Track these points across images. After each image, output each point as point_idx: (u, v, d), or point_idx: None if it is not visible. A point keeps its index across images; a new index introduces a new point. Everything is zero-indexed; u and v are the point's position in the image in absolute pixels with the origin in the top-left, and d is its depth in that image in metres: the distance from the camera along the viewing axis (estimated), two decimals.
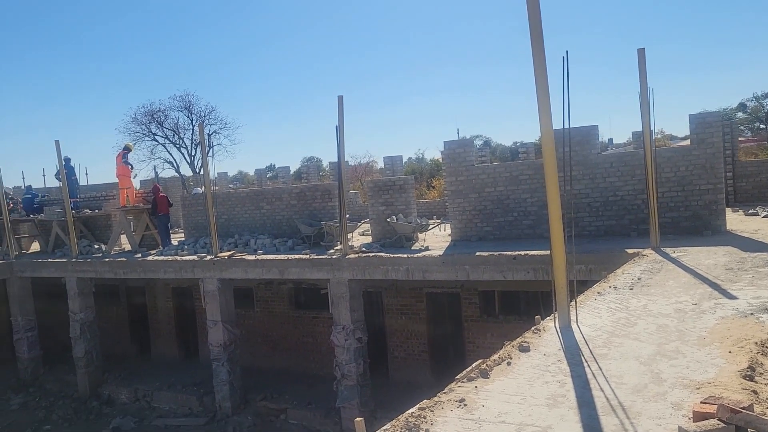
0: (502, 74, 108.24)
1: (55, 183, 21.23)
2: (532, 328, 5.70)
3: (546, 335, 5.47)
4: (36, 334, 19.65)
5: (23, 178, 26.01)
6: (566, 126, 5.51)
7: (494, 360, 4.82)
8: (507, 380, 4.40)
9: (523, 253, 11.02)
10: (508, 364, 4.74)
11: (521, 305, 14.42)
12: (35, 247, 21.86)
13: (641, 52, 9.48)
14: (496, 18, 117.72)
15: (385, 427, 3.66)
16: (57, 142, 17.91)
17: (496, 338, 14.25)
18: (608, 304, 6.39)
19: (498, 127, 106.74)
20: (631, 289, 6.99)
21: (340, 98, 12.80)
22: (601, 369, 4.46)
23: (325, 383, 14.80)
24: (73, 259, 17.88)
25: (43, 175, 30.37)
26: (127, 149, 19.46)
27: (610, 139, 43.88)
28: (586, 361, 4.67)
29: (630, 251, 9.81)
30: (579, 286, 8.24)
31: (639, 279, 7.53)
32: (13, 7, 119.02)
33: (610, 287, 7.20)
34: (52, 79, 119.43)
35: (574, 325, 5.64)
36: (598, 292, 6.99)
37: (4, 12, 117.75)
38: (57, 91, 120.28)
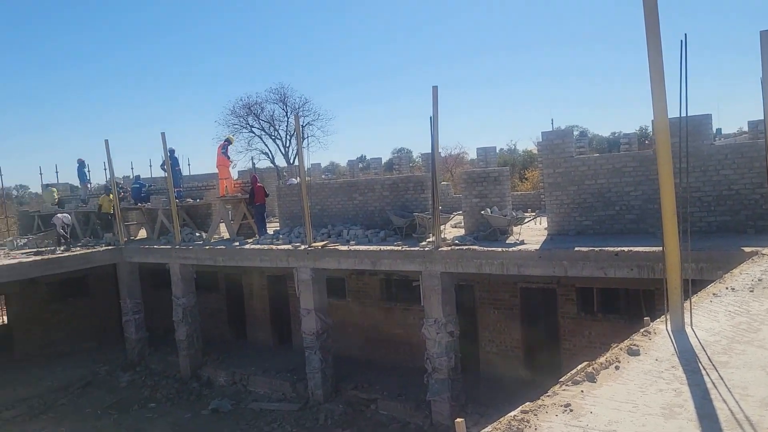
0: (597, 60, 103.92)
1: (161, 173, 22.29)
2: (641, 330, 5.34)
3: (657, 338, 5.10)
4: (142, 316, 20.78)
5: (132, 169, 27.69)
6: (683, 115, 5.10)
7: (601, 363, 4.53)
8: (616, 386, 4.12)
9: (626, 249, 10.46)
10: (617, 368, 4.44)
11: (622, 304, 13.77)
12: (142, 233, 23.12)
13: (765, 35, 8.71)
14: None
15: (486, 430, 3.51)
16: (163, 134, 18.81)
17: (595, 337, 13.74)
18: (726, 307, 5.89)
19: (594, 117, 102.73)
20: (751, 291, 6.43)
21: (435, 89, 12.62)
22: (722, 378, 4.08)
23: (415, 375, 14.75)
24: (177, 246, 18.72)
25: (150, 166, 32.16)
26: (228, 141, 20.21)
27: (719, 129, 41.07)
28: (704, 369, 4.30)
29: (747, 249, 9.08)
30: (690, 287, 7.72)
31: (760, 280, 6.93)
32: (118, 6, 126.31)
33: (726, 288, 6.65)
34: (158, 74, 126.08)
35: (688, 329, 5.23)
36: (714, 294, 6.47)
37: (110, 10, 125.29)
38: (162, 86, 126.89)
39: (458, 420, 3.55)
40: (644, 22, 5.08)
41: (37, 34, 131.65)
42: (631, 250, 10.38)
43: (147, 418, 16.47)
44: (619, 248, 10.59)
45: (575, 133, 58.16)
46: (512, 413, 3.73)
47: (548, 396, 4.02)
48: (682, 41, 5.14)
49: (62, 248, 20.36)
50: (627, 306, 13.61)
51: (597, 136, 58.64)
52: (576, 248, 11.11)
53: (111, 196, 20.92)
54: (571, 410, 3.73)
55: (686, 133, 5.18)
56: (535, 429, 3.50)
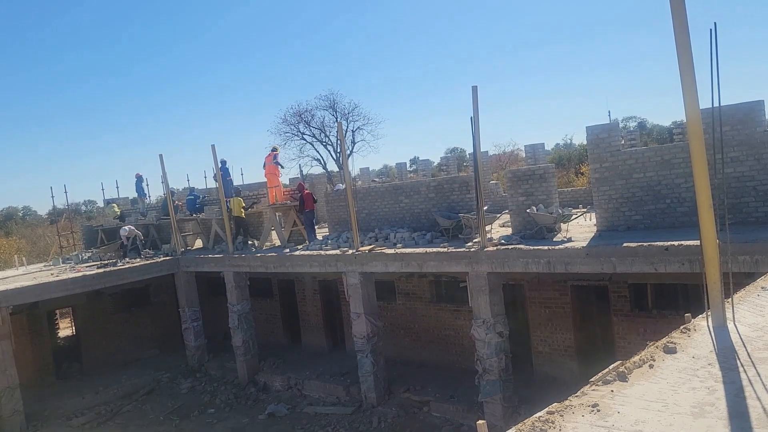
0: (657, 47, 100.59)
1: (215, 184, 22.91)
2: (681, 327, 5.19)
3: (696, 335, 4.96)
4: (201, 324, 21.38)
5: (188, 180, 28.43)
6: (716, 105, 4.93)
7: (634, 362, 4.43)
8: (648, 384, 4.03)
9: (676, 243, 10.14)
10: (651, 366, 4.34)
11: (679, 299, 13.32)
12: (198, 243, 23.80)
13: None
14: None
15: (509, 430, 3.49)
16: (213, 147, 19.34)
17: (650, 334, 13.29)
18: None
19: (655, 107, 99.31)
20: None
21: (474, 89, 12.57)
22: (759, 375, 3.94)
23: (467, 377, 14.67)
24: (230, 255, 19.19)
25: (204, 177, 33.02)
26: (275, 150, 20.59)
27: None
28: (743, 366, 4.15)
29: None
30: (742, 279, 7.43)
31: None
32: (169, 22, 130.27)
33: None
34: (210, 86, 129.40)
35: (730, 324, 5.05)
36: (762, 287, 6.22)
37: (166, 25, 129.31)
38: (213, 95, 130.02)
39: (480, 422, 3.55)
40: (670, 10, 4.95)
41: (93, 63, 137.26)
42: (681, 244, 10.06)
43: (207, 423, 16.94)
44: (669, 243, 10.27)
45: (632, 124, 56.75)
46: (538, 414, 3.71)
47: (576, 396, 3.97)
48: (711, 30, 4.98)
49: (122, 258, 21.23)
50: (685, 302, 13.15)
51: (657, 126, 56.76)
52: (624, 244, 10.84)
53: (241, 199, 20.71)
54: (599, 410, 3.67)
55: (720, 123, 4.98)
56: (560, 429, 3.46)
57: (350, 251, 15.53)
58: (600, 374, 4.28)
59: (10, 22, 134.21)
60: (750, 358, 4.27)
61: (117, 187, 27.74)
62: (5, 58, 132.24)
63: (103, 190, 26.60)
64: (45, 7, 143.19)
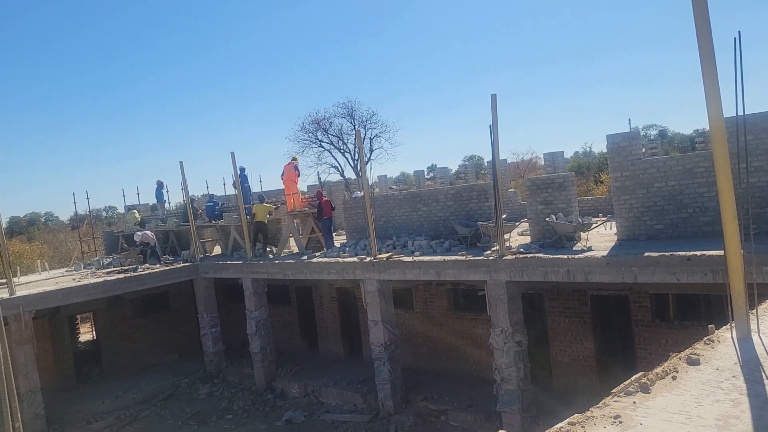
0: (677, 56, 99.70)
1: (234, 191, 23.06)
2: (705, 338, 5.12)
3: (720, 347, 4.88)
4: (219, 330, 21.49)
5: (207, 187, 28.68)
6: (739, 114, 4.88)
7: (657, 373, 4.38)
8: (671, 396, 3.98)
9: (699, 253, 10.01)
10: (674, 378, 4.29)
11: (701, 310, 13.14)
12: (217, 250, 23.95)
13: None
14: None
15: None
16: (232, 154, 19.51)
17: (672, 345, 13.14)
18: None
19: (676, 115, 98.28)
20: None
21: (493, 97, 12.54)
22: None
23: (485, 386, 14.58)
24: (248, 262, 19.29)
25: (224, 184, 33.25)
26: (294, 159, 20.70)
27: None
28: None
29: None
30: (767, 290, 7.30)
31: None
32: (188, 28, 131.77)
33: None
34: (230, 95, 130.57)
35: (755, 336, 4.98)
36: None
37: (181, 33, 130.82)
38: (234, 102, 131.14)
39: None
40: (694, 20, 4.91)
41: (111, 71, 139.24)
42: (704, 254, 9.92)
43: (225, 429, 16.98)
44: (691, 252, 10.14)
45: (653, 132, 56.23)
46: (559, 425, 3.67)
47: (598, 407, 3.93)
48: (735, 39, 4.93)
49: (142, 264, 21.45)
50: (708, 313, 12.97)
51: (679, 135, 56.17)
52: (645, 253, 10.71)
53: (267, 204, 20.64)
54: (621, 422, 3.63)
55: (744, 132, 4.92)
56: None
57: (368, 259, 15.54)
58: (622, 385, 4.23)
59: (35, 32, 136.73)
60: None
61: (138, 194, 27.99)
62: (31, 68, 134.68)
63: (124, 196, 26.99)
64: (72, 17, 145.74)
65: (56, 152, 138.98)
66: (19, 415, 7.02)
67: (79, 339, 24.62)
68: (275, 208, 20.90)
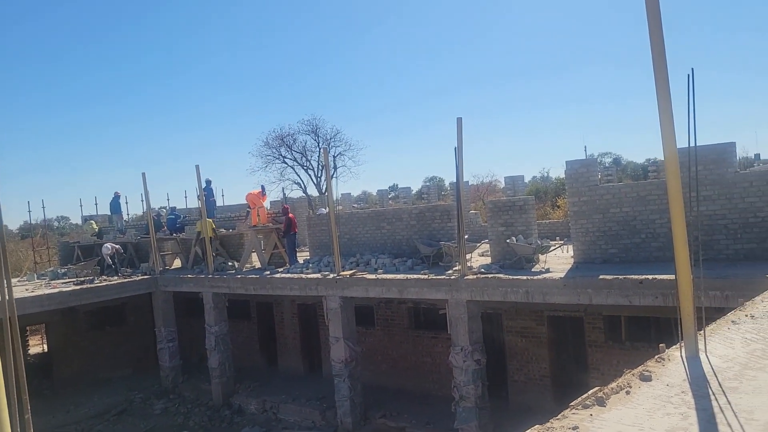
0: (631, 82, 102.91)
1: (196, 204, 22.92)
2: (656, 356, 5.44)
3: (670, 365, 5.20)
4: (176, 344, 21.22)
5: (168, 200, 28.37)
6: (691, 145, 5.26)
7: (612, 388, 4.65)
8: (625, 410, 4.24)
9: (650, 277, 10.49)
10: (627, 392, 4.56)
11: (651, 332, 13.64)
12: (177, 263, 23.71)
13: None
14: (631, 12, 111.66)
15: None
16: (197, 167, 19.42)
17: (623, 365, 13.49)
18: (743, 334, 5.94)
19: (630, 143, 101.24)
20: None
21: (459, 120, 12.92)
22: (729, 403, 4.18)
23: (443, 404, 14.78)
24: (209, 276, 19.18)
25: (185, 197, 32.92)
26: (262, 190, 20.69)
27: (757, 155, 39.64)
28: (714, 394, 4.39)
29: None
30: (713, 314, 7.73)
31: None
32: (150, 41, 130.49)
33: (746, 316, 6.68)
34: (193, 108, 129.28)
35: (702, 355, 5.31)
36: (733, 321, 6.51)
37: (143, 44, 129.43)
38: (197, 120, 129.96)
39: None
40: (651, 54, 5.28)
41: (72, 70, 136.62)
42: (655, 278, 10.40)
43: None
44: (643, 276, 10.61)
45: (608, 160, 57.93)
46: None
47: (557, 419, 4.16)
48: (689, 75, 5.32)
49: (112, 275, 21.24)
50: (657, 334, 13.47)
51: (632, 163, 58.03)
52: (600, 276, 11.15)
53: (211, 219, 20.69)
54: None
55: (696, 163, 5.29)
56: None
57: (331, 275, 15.66)
58: (580, 399, 4.49)
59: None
60: (721, 387, 4.52)
61: (96, 204, 27.55)
62: None
63: (81, 206, 26.53)
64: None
65: (5, 159, 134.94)
66: None
67: (29, 351, 23.94)
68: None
